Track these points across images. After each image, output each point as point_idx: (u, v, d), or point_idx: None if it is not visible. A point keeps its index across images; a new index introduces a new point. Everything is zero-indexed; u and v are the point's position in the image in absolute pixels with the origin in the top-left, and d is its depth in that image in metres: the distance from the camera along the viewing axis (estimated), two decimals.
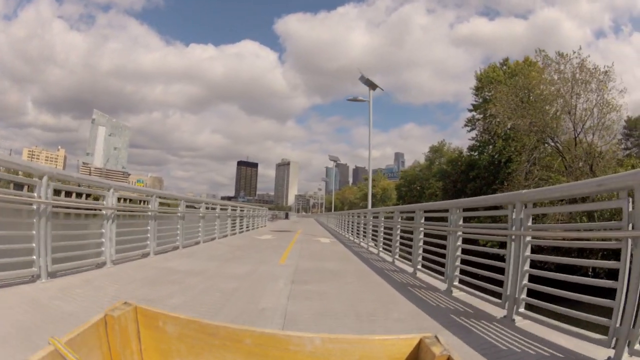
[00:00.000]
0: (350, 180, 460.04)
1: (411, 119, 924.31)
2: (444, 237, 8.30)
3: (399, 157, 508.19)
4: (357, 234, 22.17)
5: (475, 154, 59.44)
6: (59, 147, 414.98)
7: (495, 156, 52.09)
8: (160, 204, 12.52)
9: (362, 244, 20.02)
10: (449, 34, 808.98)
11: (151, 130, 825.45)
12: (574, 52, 39.54)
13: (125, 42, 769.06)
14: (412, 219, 11.01)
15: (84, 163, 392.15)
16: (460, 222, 7.94)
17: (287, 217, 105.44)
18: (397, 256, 12.85)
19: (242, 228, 26.27)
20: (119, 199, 9.87)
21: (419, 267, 10.15)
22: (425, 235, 10.21)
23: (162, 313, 1.88)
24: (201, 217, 16.17)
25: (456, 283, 7.82)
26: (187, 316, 1.86)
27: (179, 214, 13.97)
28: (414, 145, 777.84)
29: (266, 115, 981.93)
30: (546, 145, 42.81)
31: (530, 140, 41.82)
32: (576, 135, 38.93)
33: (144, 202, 12.10)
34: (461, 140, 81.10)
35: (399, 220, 13.03)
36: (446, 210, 8.22)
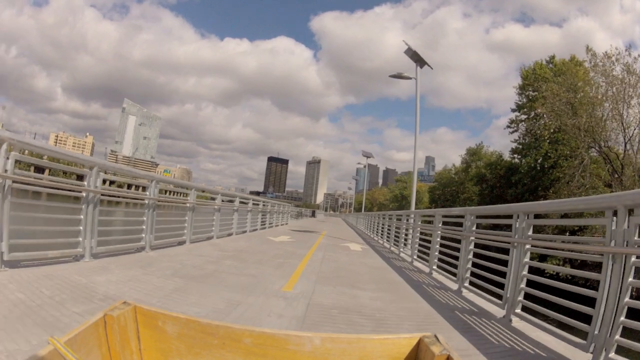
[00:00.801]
0: (380, 181, 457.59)
1: (443, 123, 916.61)
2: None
3: (429, 160, 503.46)
4: (396, 240, 18.50)
5: (518, 157, 55.63)
6: (87, 133, 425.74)
7: (539, 160, 48.90)
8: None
9: (402, 254, 16.58)
10: (484, 39, 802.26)
11: (182, 121, 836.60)
12: (619, 53, 37.80)
13: (159, 33, 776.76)
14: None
15: (112, 151, 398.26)
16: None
17: (313, 215, 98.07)
18: (434, 267, 11.28)
19: (255, 225, 22.70)
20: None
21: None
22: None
23: (161, 313, 1.88)
24: (189, 208, 12.74)
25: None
26: (187, 316, 1.87)
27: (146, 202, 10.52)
28: (445, 150, 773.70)
29: (299, 112, 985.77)
30: (593, 150, 40.67)
31: (580, 144, 39.71)
32: (625, 141, 37.28)
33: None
34: (494, 147, 77.08)
35: (440, 225, 11.39)
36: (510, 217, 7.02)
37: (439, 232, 11.18)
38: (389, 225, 21.26)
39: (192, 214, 12.91)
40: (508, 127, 57.59)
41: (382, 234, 23.87)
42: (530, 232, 6.25)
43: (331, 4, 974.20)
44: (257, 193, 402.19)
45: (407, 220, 17.15)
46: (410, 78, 26.21)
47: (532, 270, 6.31)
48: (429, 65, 26.22)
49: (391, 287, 9.03)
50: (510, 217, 6.69)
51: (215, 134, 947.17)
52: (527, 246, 6.18)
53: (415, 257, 14.10)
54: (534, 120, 50.52)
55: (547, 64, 54.66)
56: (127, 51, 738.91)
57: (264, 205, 25.26)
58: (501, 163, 61.25)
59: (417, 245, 14.11)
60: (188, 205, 12.83)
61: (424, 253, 13.09)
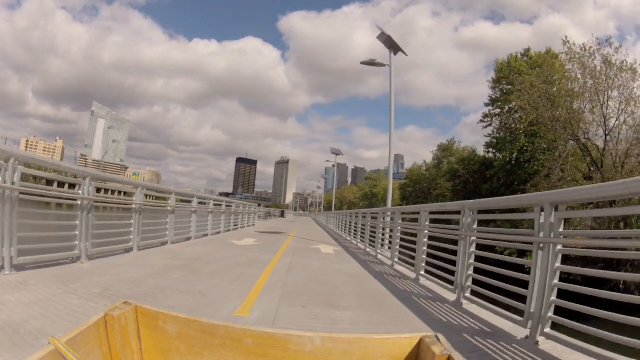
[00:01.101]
0: (349, 180, 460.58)
1: (412, 122, 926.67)
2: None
3: (398, 159, 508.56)
4: (372, 241, 16.66)
5: (492, 151, 55.90)
6: (57, 138, 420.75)
7: (515, 154, 48.73)
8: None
9: (380, 256, 14.87)
10: (453, 37, 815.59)
11: (151, 124, 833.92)
12: (600, 44, 37.59)
13: (128, 35, 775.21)
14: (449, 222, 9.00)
15: (81, 155, 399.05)
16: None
17: (282, 215, 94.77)
18: (422, 272, 9.81)
19: (218, 227, 20.76)
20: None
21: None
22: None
23: (162, 312, 1.86)
24: (136, 210, 11.17)
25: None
26: (187, 315, 1.85)
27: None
28: (414, 148, 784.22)
29: (267, 112, 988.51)
30: (572, 143, 40.47)
31: (559, 137, 39.72)
32: (606, 134, 37.03)
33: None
34: (464, 144, 77.76)
35: (427, 224, 9.84)
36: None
37: (427, 231, 9.66)
38: (363, 225, 19.54)
39: (140, 217, 11.24)
40: (482, 121, 57.96)
41: (355, 234, 21.99)
42: (561, 229, 5.01)
43: (299, 4, 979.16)
44: (227, 194, 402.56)
45: (385, 218, 15.36)
46: (383, 65, 23.50)
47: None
48: (403, 52, 23.64)
49: (376, 302, 7.35)
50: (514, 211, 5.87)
51: (184, 136, 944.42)
52: (559, 247, 4.94)
53: (396, 259, 12.35)
54: (509, 114, 50.77)
55: (522, 57, 54.83)
56: (96, 54, 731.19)
57: (227, 206, 23.45)
58: (474, 158, 61.82)
59: (397, 247, 12.42)
60: (134, 206, 11.21)
61: (407, 255, 11.61)
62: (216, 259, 11.37)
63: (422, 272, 9.69)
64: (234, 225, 25.33)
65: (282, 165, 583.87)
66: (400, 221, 12.89)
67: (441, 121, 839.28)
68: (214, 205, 20.05)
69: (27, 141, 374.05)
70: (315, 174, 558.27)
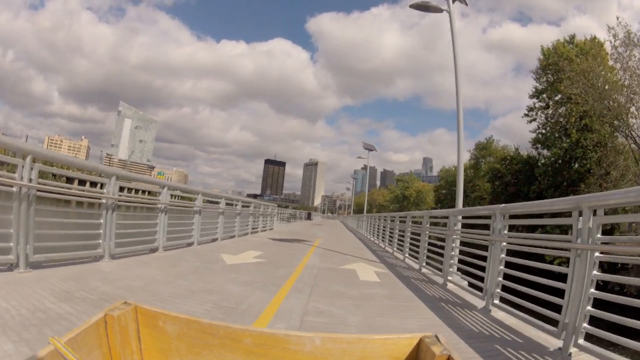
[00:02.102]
0: (378, 183, 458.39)
1: (441, 125, 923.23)
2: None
3: (427, 162, 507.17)
4: (432, 258, 11.59)
5: (540, 148, 50.42)
6: (82, 137, 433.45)
7: (565, 151, 44.17)
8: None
9: (452, 284, 9.47)
10: (481, 39, 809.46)
11: (180, 125, 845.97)
12: None
13: (155, 36, 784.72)
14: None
15: (107, 154, 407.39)
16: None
17: (309, 217, 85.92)
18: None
19: (213, 233, 15.88)
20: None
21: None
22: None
23: (162, 312, 1.87)
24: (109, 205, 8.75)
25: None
26: (187, 316, 1.85)
27: None
28: (442, 151, 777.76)
29: (296, 114, 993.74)
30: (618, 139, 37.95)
31: (612, 131, 37.37)
32: None
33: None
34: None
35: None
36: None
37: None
38: (413, 233, 14.15)
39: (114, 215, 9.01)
40: (525, 115, 53.01)
41: (395, 243, 17.78)
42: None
43: (328, 5, 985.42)
44: (255, 196, 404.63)
45: (455, 224, 10.08)
46: (441, 10, 17.50)
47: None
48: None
49: None
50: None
51: (212, 137, 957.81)
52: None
53: (495, 299, 6.95)
54: (559, 105, 46.43)
55: (568, 44, 49.65)
56: (123, 54, 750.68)
57: (228, 204, 18.24)
58: (517, 157, 57.64)
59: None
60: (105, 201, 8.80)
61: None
62: (185, 292, 6.81)
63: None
64: (241, 230, 20.06)
65: (311, 167, 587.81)
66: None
67: (470, 124, 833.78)
68: (206, 202, 15.28)
69: (50, 139, 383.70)
70: (343, 176, 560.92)
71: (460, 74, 17.23)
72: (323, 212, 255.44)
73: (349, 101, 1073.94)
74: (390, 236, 19.46)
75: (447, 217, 10.42)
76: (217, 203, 16.92)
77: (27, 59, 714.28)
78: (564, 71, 42.77)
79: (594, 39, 45.81)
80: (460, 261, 9.55)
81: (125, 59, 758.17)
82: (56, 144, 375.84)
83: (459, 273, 9.63)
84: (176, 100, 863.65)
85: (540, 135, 50.22)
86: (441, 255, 10.49)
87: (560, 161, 45.19)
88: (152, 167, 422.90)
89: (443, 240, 10.42)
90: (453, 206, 14.51)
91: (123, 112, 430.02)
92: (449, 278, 9.57)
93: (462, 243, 9.66)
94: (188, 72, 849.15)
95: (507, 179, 56.55)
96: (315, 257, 13.62)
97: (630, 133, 36.67)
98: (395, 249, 17.71)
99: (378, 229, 24.83)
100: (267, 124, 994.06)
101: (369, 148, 67.76)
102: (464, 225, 9.86)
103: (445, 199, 77.21)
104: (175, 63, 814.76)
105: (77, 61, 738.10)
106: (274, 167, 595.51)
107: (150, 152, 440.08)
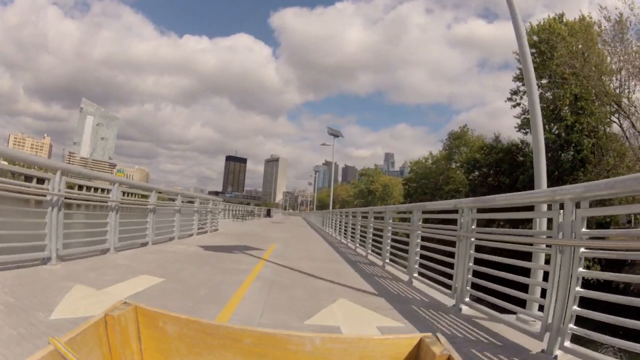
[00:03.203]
0: (340, 179, 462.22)
1: (403, 120, 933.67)
2: None
3: (389, 157, 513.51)
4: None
5: (528, 133, 44.73)
6: (45, 135, 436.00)
7: (561, 135, 40.89)
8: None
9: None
10: (446, 35, 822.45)
11: (142, 122, 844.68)
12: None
13: (119, 30, 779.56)
14: None
15: (69, 152, 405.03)
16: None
17: (268, 214, 77.48)
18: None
19: (101, 241, 10.24)
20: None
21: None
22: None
23: (162, 313, 1.86)
24: None
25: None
26: (187, 316, 1.85)
27: None
28: (404, 146, 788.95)
29: (258, 110, 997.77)
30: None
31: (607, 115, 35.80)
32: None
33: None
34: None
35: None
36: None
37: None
38: (425, 235, 9.41)
39: None
40: (509, 100, 49.68)
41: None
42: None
43: (292, 0, 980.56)
44: (216, 193, 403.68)
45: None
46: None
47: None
48: None
49: None
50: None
51: (174, 134, 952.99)
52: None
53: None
54: (551, 86, 42.77)
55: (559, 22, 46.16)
56: (87, 50, 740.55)
57: (128, 196, 13.36)
58: (498, 146, 53.82)
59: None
60: None
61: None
62: None
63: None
64: (169, 233, 15.38)
65: (272, 163, 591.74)
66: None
67: (433, 119, 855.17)
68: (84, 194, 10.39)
69: (15, 138, 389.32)
70: (305, 172, 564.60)
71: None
72: (284, 209, 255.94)
73: (311, 97, 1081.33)
74: (375, 240, 14.21)
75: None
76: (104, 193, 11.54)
77: None
78: (555, 49, 41.09)
79: (582, 19, 43.19)
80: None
81: (89, 55, 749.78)
82: (20, 142, 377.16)
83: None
84: (139, 96, 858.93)
85: (527, 120, 45.76)
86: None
87: (551, 146, 40.80)
88: (114, 165, 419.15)
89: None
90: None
91: (85, 109, 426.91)
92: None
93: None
94: (151, 67, 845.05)
95: (485, 170, 53.87)
96: (260, 287, 7.83)
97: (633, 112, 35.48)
98: (387, 260, 11.99)
99: (353, 228, 18.71)
100: (229, 120, 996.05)
101: (335, 134, 63.62)
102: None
103: (415, 193, 71.81)
104: (138, 58, 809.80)
105: (42, 58, 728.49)
106: (236, 164, 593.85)
107: (112, 149, 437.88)
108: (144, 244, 12.86)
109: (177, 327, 1.83)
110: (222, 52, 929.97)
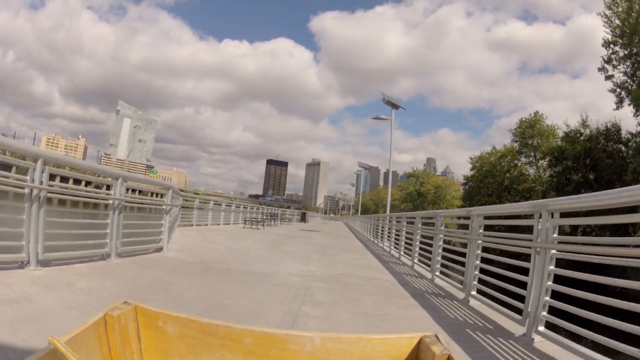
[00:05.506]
0: (381, 183, 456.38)
1: (444, 124, 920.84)
2: None
3: (430, 162, 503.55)
4: None
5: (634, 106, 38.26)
6: (79, 136, 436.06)
7: None
8: None
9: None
10: (486, 37, 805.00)
11: (181, 125, 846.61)
12: None
13: (156, 35, 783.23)
14: None
15: (105, 154, 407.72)
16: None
17: (303, 219, 65.56)
18: None
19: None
20: None
21: None
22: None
23: (162, 312, 1.92)
24: None
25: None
26: (187, 315, 1.90)
27: None
28: (446, 151, 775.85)
29: (299, 114, 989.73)
30: None
31: None
32: None
33: None
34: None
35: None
36: None
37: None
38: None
39: None
40: (600, 70, 41.88)
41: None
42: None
43: (331, 4, 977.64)
44: (257, 196, 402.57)
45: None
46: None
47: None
48: None
49: None
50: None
51: (214, 138, 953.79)
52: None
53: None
54: None
55: None
56: (124, 54, 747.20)
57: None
58: (599, 132, 44.62)
59: None
60: None
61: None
62: None
63: None
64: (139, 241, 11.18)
65: (314, 167, 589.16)
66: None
67: (473, 123, 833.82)
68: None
69: (49, 139, 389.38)
70: (346, 177, 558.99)
71: None
72: (325, 213, 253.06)
73: (352, 101, 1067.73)
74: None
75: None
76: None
77: (28, 59, 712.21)
78: None
79: None
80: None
81: (126, 59, 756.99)
82: (53, 143, 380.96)
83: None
84: (178, 100, 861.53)
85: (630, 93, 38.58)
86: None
87: None
88: (151, 167, 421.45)
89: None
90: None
91: (122, 111, 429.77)
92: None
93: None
94: (190, 72, 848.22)
95: (569, 162, 45.04)
96: None
97: None
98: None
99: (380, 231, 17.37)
100: (270, 125, 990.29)
101: (393, 104, 43.66)
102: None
103: (477, 194, 61.95)
104: (176, 63, 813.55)
105: (77, 61, 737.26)
106: (276, 168, 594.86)
107: (149, 152, 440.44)
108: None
109: (177, 327, 1.89)
110: (262, 57, 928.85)
